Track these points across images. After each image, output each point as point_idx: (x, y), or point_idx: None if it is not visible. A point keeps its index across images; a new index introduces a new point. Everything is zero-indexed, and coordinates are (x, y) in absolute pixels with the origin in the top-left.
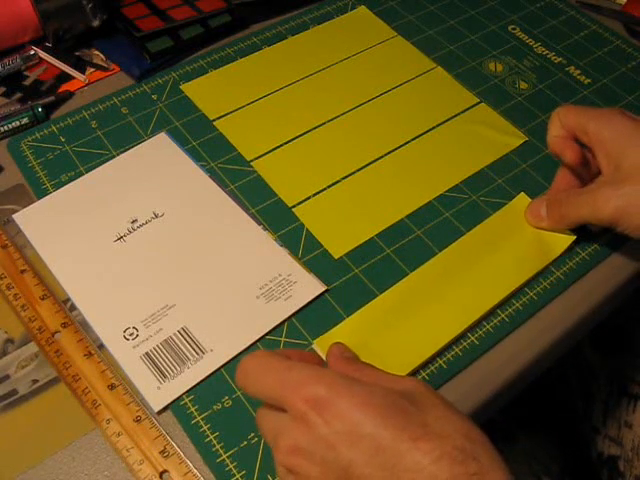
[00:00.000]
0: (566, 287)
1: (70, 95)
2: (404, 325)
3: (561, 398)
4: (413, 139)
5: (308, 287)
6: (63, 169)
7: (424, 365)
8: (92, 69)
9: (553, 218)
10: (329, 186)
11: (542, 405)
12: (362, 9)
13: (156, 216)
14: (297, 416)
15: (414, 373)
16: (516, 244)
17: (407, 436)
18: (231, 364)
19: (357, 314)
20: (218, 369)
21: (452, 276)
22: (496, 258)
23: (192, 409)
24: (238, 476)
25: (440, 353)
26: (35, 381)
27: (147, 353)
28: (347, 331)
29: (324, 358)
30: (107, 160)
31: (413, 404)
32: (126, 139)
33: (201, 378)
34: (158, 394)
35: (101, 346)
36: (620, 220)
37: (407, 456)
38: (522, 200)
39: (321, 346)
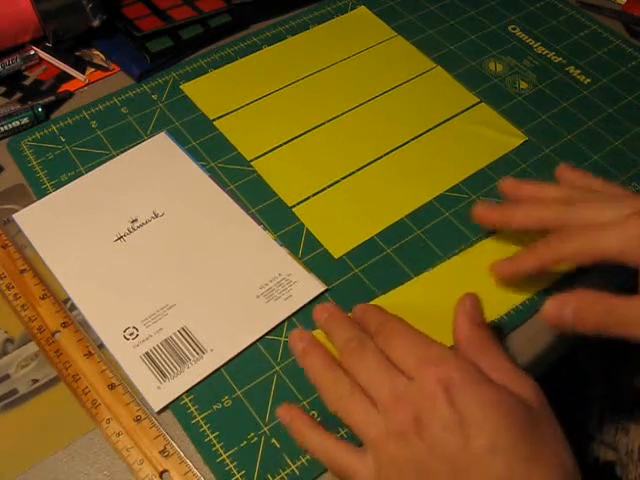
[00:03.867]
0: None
1: (70, 95)
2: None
3: (556, 404)
4: (413, 139)
5: (308, 287)
6: (63, 169)
7: None
8: (92, 69)
9: (584, 325)
10: (329, 186)
11: None
12: (362, 9)
13: (156, 216)
14: (425, 390)
15: None
16: None
17: (519, 454)
18: (231, 364)
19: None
20: (218, 369)
21: (456, 284)
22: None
23: (192, 409)
24: (238, 476)
25: None
26: (35, 381)
27: (147, 353)
28: None
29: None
30: (107, 160)
31: (531, 417)
32: (126, 139)
33: (201, 378)
34: (158, 394)
35: (101, 346)
36: None
37: (514, 469)
38: None
39: (321, 337)
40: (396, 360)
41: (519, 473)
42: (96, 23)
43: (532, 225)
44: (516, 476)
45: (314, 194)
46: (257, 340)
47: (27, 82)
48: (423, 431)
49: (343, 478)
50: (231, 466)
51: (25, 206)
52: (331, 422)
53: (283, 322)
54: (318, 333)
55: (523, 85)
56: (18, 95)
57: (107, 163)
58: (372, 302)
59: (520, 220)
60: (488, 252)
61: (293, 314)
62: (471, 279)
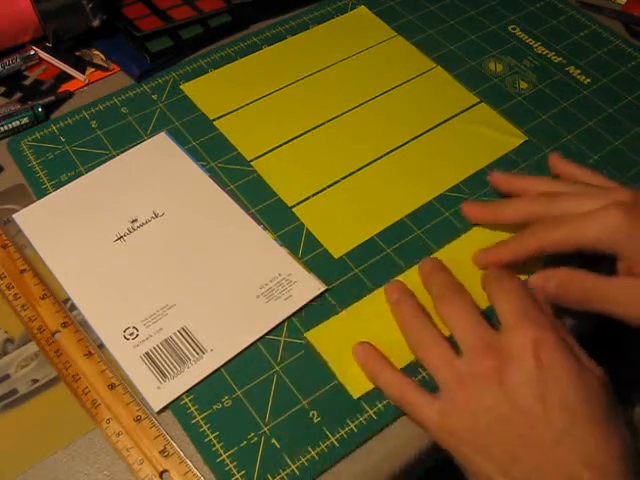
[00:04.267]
0: None
1: (70, 95)
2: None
3: None
4: (413, 139)
5: (308, 287)
6: (63, 169)
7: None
8: (92, 69)
9: (566, 297)
10: (329, 186)
11: None
12: (362, 9)
13: (156, 216)
14: (516, 343)
15: (412, 370)
16: None
17: (585, 417)
18: (231, 364)
19: (352, 308)
20: (218, 369)
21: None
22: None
23: (192, 409)
24: (238, 476)
25: None
26: (35, 381)
27: (147, 353)
28: (341, 324)
29: (318, 350)
30: (107, 160)
31: (602, 392)
32: (126, 139)
33: (201, 378)
34: (158, 394)
35: (101, 346)
36: None
37: (578, 428)
38: None
39: (314, 339)
40: (504, 312)
41: (582, 433)
42: (96, 23)
43: (521, 220)
44: (579, 434)
45: (314, 194)
46: (257, 340)
47: (27, 82)
48: (505, 380)
49: (411, 416)
50: (231, 466)
51: (25, 206)
52: (332, 422)
53: (283, 322)
54: (310, 334)
55: (523, 85)
56: (18, 95)
57: (107, 163)
58: (368, 296)
59: (509, 216)
60: (476, 243)
61: (293, 314)
62: (459, 271)
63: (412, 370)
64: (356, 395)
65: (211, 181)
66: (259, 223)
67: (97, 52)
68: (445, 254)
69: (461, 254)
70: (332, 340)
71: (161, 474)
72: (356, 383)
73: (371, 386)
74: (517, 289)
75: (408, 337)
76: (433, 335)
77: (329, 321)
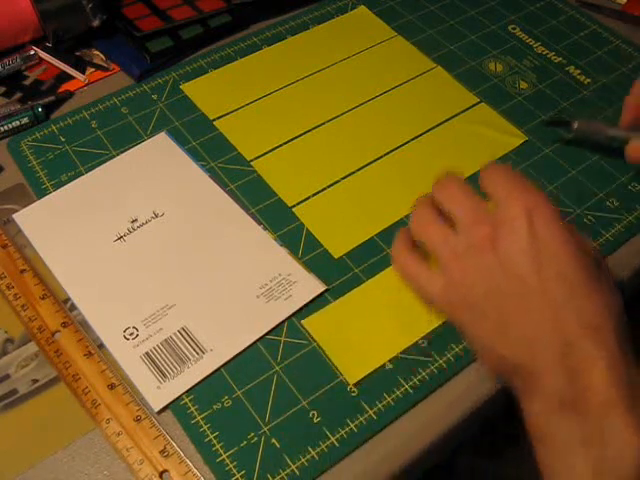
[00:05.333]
0: None
1: (70, 95)
2: (393, 308)
3: None
4: (413, 139)
5: (308, 287)
6: (63, 169)
7: (422, 364)
8: (92, 69)
9: None
10: (329, 186)
11: None
12: (362, 9)
13: (156, 216)
14: (510, 213)
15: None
16: None
17: (581, 287)
18: (231, 364)
19: (349, 295)
20: (218, 369)
21: None
22: None
23: (192, 409)
24: (238, 476)
25: (429, 337)
26: (35, 381)
27: (147, 353)
28: (338, 311)
29: (315, 337)
30: (107, 160)
31: (595, 265)
32: (126, 139)
33: (201, 378)
34: (158, 394)
35: (101, 346)
36: None
37: (575, 298)
38: None
39: (311, 326)
40: (489, 189)
41: (578, 301)
42: (96, 23)
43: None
44: (575, 303)
45: (314, 194)
46: (257, 340)
47: (27, 82)
48: (499, 248)
49: (417, 293)
50: (231, 466)
51: (25, 206)
52: (332, 422)
53: (283, 322)
54: (307, 322)
55: (523, 85)
56: (18, 95)
57: (107, 163)
58: (364, 284)
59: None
60: None
61: (293, 314)
62: None
63: (408, 352)
64: (352, 381)
65: (211, 181)
66: (259, 223)
67: (97, 52)
68: None
69: None
70: (329, 327)
71: (161, 474)
72: (353, 369)
73: (367, 372)
74: (507, 169)
75: (411, 222)
76: (433, 216)
77: (326, 309)
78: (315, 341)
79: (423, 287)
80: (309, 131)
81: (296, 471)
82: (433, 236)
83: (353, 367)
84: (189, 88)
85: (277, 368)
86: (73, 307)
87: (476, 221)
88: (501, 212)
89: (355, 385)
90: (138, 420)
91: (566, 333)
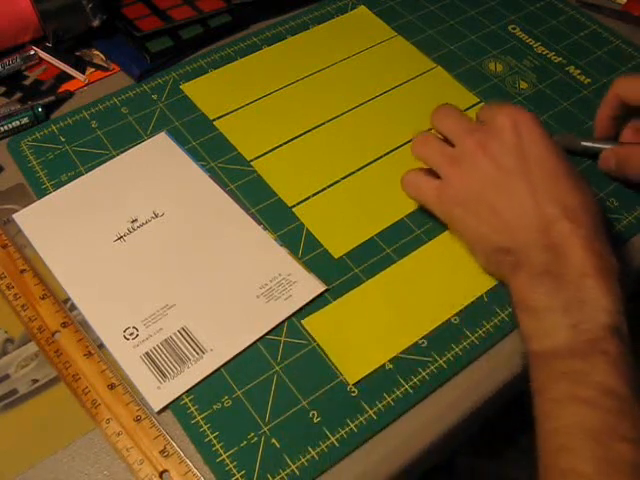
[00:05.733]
0: None
1: (70, 95)
2: (393, 308)
3: None
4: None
5: (308, 287)
6: (63, 169)
7: (423, 364)
8: (92, 69)
9: (624, 170)
10: (329, 186)
11: None
12: (362, 9)
13: (156, 216)
14: (497, 125)
15: (404, 353)
16: None
17: (563, 180)
18: (231, 364)
19: (349, 295)
20: (218, 369)
21: (442, 263)
22: None
23: (192, 409)
24: (238, 476)
25: (428, 337)
26: (35, 381)
27: (147, 353)
28: (338, 311)
29: (315, 337)
30: (107, 160)
31: (573, 169)
32: (126, 139)
33: (201, 378)
34: (158, 394)
35: (101, 346)
36: None
37: (561, 189)
38: None
39: (310, 326)
40: (484, 116)
41: (556, 183)
42: (96, 23)
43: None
44: (553, 184)
45: (314, 194)
46: (257, 340)
47: (27, 82)
48: (489, 150)
49: (416, 197)
50: (231, 466)
51: (25, 206)
52: (332, 422)
53: (283, 322)
54: (307, 321)
55: (523, 85)
56: (18, 95)
57: (107, 163)
58: (364, 284)
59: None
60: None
61: (293, 314)
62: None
63: (408, 352)
64: (352, 381)
65: (211, 181)
66: (259, 223)
67: (97, 52)
68: (438, 245)
69: (453, 245)
70: (329, 327)
71: (161, 474)
72: (353, 369)
73: (367, 372)
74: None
75: (411, 146)
76: (432, 138)
77: (326, 309)
78: (315, 341)
79: (421, 189)
80: (309, 131)
81: (296, 471)
82: (430, 150)
83: (353, 367)
84: (189, 88)
85: (277, 368)
86: (73, 307)
87: (468, 132)
88: (490, 124)
89: (355, 385)
90: (138, 420)
91: (547, 214)
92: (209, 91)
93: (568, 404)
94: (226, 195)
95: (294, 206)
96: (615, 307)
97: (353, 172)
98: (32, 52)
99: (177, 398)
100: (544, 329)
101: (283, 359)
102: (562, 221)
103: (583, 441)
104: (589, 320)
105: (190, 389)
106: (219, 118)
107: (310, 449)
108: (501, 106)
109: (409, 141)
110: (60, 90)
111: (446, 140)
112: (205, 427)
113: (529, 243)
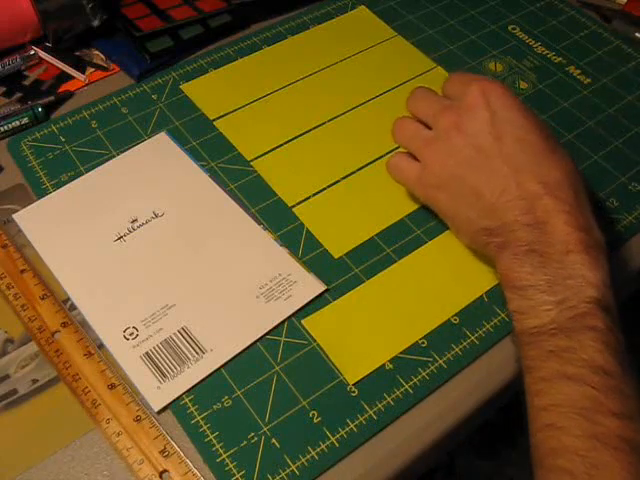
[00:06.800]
0: None
1: (70, 95)
2: (393, 308)
3: None
4: None
5: (308, 287)
6: (63, 169)
7: (423, 364)
8: (92, 69)
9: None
10: (329, 186)
11: None
12: (362, 9)
13: (156, 216)
14: (469, 101)
15: (402, 353)
16: None
17: (541, 149)
18: (231, 364)
19: (348, 295)
20: (218, 369)
21: (442, 263)
22: None
23: (192, 409)
24: (238, 476)
25: (428, 337)
26: (35, 381)
27: (147, 353)
28: (338, 311)
29: (315, 336)
30: (107, 160)
31: (549, 132)
32: (126, 139)
33: (201, 378)
34: (158, 394)
35: (101, 346)
36: None
37: (542, 165)
38: None
39: (310, 326)
40: (449, 91)
41: (535, 159)
42: (96, 23)
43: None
44: (533, 160)
45: (314, 194)
46: (257, 340)
47: (27, 82)
48: (463, 129)
49: (399, 180)
50: (231, 466)
51: (25, 206)
52: (332, 422)
53: (283, 322)
54: (307, 321)
55: (523, 85)
56: (18, 95)
57: (107, 163)
58: (363, 284)
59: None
60: (448, 245)
61: (293, 314)
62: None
63: (408, 352)
64: (352, 381)
65: (211, 181)
66: (259, 223)
67: (97, 52)
68: (438, 245)
69: (453, 245)
70: (329, 327)
71: (161, 474)
72: (353, 369)
73: (367, 372)
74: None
75: (392, 132)
76: (408, 120)
77: (325, 309)
78: (315, 341)
79: (403, 172)
80: (309, 131)
81: (296, 471)
82: (407, 134)
83: (353, 367)
84: (189, 88)
85: (277, 368)
86: (73, 307)
87: (441, 111)
88: (461, 101)
89: (355, 385)
90: (138, 420)
91: (529, 192)
92: (209, 91)
93: (556, 382)
94: (226, 195)
95: (294, 206)
96: (601, 280)
97: (353, 172)
98: (32, 52)
99: (177, 398)
100: (531, 307)
101: (283, 359)
102: (544, 198)
103: (572, 419)
104: (574, 296)
105: (190, 389)
106: (219, 118)
107: (310, 449)
108: (469, 78)
109: None
110: (60, 90)
111: (424, 124)
112: (205, 427)
113: (513, 223)
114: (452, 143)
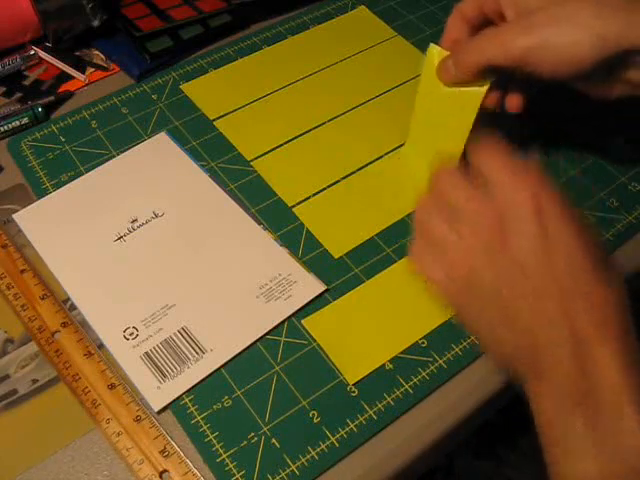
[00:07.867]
0: None
1: (70, 95)
2: (393, 308)
3: None
4: None
5: (308, 287)
6: (63, 169)
7: (423, 364)
8: (92, 69)
9: (462, 67)
10: (329, 186)
11: None
12: (362, 9)
13: (156, 216)
14: (516, 200)
15: (402, 353)
16: None
17: (590, 265)
18: (231, 364)
19: (348, 295)
20: (218, 369)
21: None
22: None
23: (192, 409)
24: (238, 476)
25: (428, 337)
26: (35, 381)
27: (147, 353)
28: (338, 311)
29: (315, 337)
30: (107, 160)
31: (601, 250)
32: (126, 139)
33: (201, 378)
34: (158, 394)
35: (101, 346)
36: (530, 60)
37: (594, 299)
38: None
39: (310, 326)
40: (484, 169)
41: (586, 297)
42: (96, 23)
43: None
44: (583, 297)
45: (314, 194)
46: (257, 340)
47: (27, 82)
48: (508, 246)
49: (425, 282)
50: (231, 466)
51: (25, 206)
52: (332, 422)
53: (283, 322)
54: (307, 321)
55: None
56: (18, 95)
57: (107, 163)
58: (363, 284)
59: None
60: None
61: (293, 314)
62: None
63: (408, 352)
64: (352, 381)
65: (211, 181)
66: (259, 223)
67: (97, 52)
68: None
69: None
70: (329, 327)
71: (161, 474)
72: (353, 369)
73: (367, 372)
74: (499, 144)
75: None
76: (430, 209)
77: (325, 309)
78: (315, 341)
79: (425, 271)
80: (309, 131)
81: (296, 471)
82: (434, 231)
83: (353, 367)
84: (189, 88)
85: (277, 368)
86: (73, 307)
87: (478, 211)
88: (505, 200)
89: (355, 385)
90: (138, 420)
91: (576, 330)
92: (209, 91)
93: None
94: (226, 195)
95: (294, 206)
96: None
97: (353, 172)
98: (32, 52)
99: (177, 398)
100: (574, 471)
101: (283, 359)
102: (593, 339)
103: None
104: (624, 460)
105: (190, 389)
106: (219, 118)
107: (310, 449)
108: (515, 173)
109: None
110: (60, 90)
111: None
112: (205, 427)
113: (555, 361)
114: (493, 259)
